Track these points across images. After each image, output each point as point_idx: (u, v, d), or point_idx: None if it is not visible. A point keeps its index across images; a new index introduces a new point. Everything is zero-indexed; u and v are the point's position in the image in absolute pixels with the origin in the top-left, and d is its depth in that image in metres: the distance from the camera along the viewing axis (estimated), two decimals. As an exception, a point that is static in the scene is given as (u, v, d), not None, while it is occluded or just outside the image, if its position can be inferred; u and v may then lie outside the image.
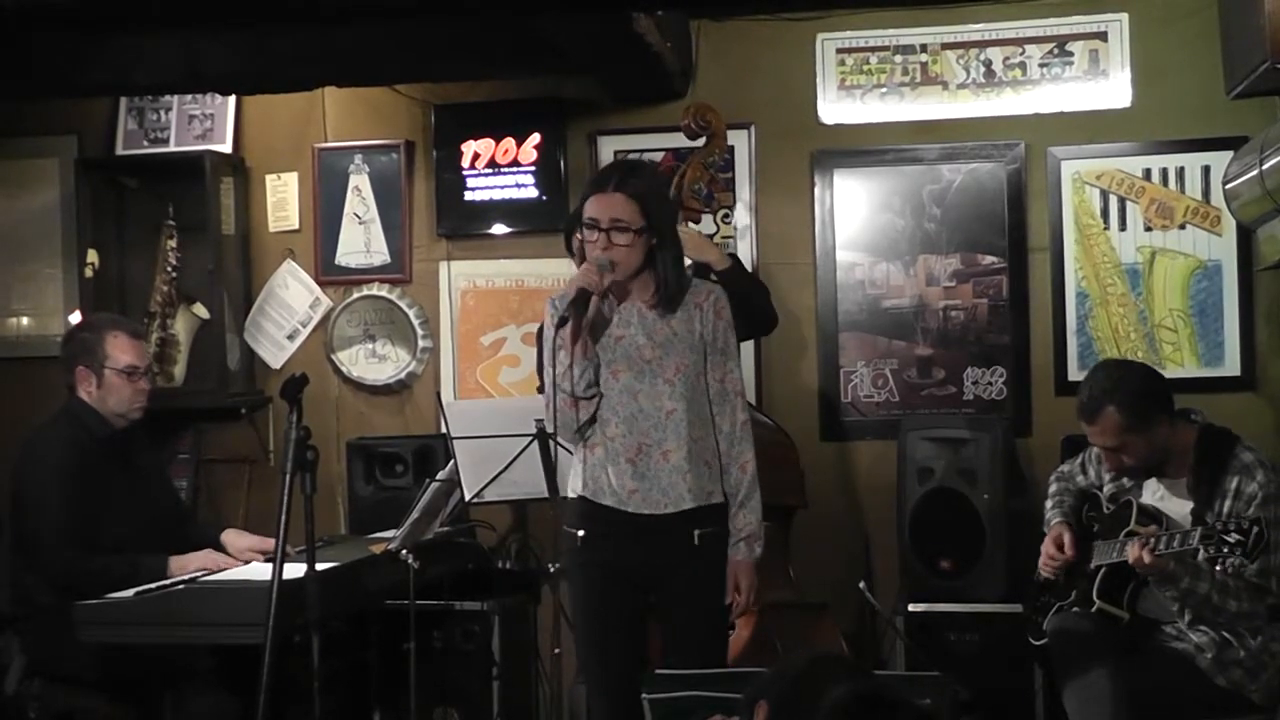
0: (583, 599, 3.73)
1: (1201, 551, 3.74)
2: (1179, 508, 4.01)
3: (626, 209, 3.58)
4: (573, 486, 3.74)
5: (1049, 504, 4.32)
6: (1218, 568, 3.78)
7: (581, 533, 3.70)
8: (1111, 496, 4.17)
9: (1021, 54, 5.22)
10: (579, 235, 3.70)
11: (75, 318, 5.69)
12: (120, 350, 4.44)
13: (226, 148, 5.70)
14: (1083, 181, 5.18)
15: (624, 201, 3.58)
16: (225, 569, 4.29)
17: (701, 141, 4.73)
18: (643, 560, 3.63)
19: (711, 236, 5.32)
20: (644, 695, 3.17)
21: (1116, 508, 4.09)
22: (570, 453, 3.81)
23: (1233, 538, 3.62)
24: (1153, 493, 4.10)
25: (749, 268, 5.32)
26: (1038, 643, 4.18)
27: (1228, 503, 3.92)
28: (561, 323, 3.53)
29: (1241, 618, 3.88)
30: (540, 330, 3.77)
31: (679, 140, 4.91)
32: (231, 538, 4.54)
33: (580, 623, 3.75)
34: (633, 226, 3.58)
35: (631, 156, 5.39)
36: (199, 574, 4.21)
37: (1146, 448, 4.01)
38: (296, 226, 5.73)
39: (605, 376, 3.64)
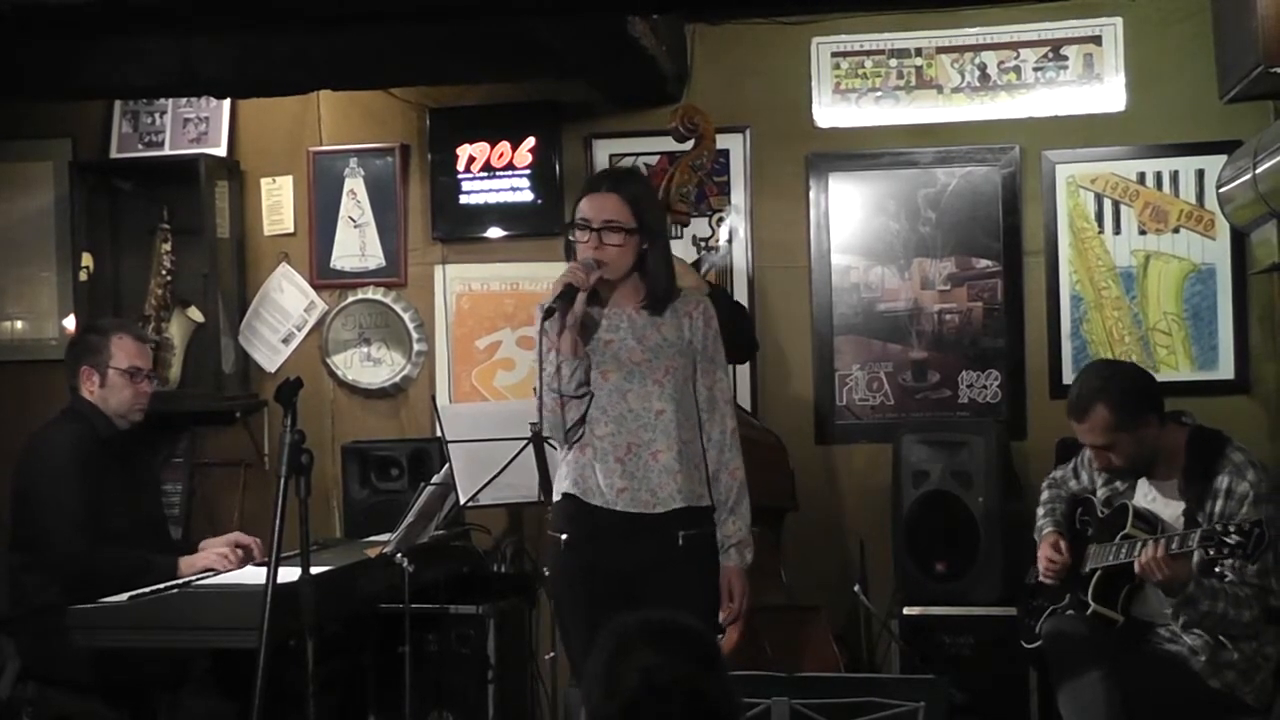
0: (570, 604, 3.70)
1: (1199, 554, 3.74)
2: (1171, 510, 4.02)
3: (620, 210, 3.62)
4: (558, 487, 3.73)
5: (1040, 510, 4.33)
6: (1216, 569, 3.78)
7: (565, 536, 3.68)
8: (1106, 500, 4.17)
9: (1016, 58, 5.22)
10: (572, 236, 3.73)
11: (70, 322, 5.69)
12: (124, 351, 4.49)
13: (221, 151, 5.69)
14: (1077, 185, 5.19)
15: (618, 202, 3.63)
16: (233, 569, 4.29)
17: (690, 144, 4.73)
18: (626, 560, 3.61)
19: (706, 240, 5.33)
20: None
21: (1111, 511, 4.09)
22: (555, 448, 3.80)
23: (1232, 539, 3.61)
24: (1144, 495, 4.10)
25: (745, 271, 5.33)
26: (1030, 646, 4.19)
27: (1219, 503, 3.92)
28: (548, 314, 3.56)
29: (1253, 625, 3.88)
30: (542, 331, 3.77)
31: (674, 144, 4.92)
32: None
33: (571, 628, 3.72)
34: (625, 226, 3.61)
35: (627, 160, 5.40)
36: (204, 574, 4.23)
37: (1135, 447, 4.01)
38: (291, 230, 5.73)
39: (595, 378, 3.64)
